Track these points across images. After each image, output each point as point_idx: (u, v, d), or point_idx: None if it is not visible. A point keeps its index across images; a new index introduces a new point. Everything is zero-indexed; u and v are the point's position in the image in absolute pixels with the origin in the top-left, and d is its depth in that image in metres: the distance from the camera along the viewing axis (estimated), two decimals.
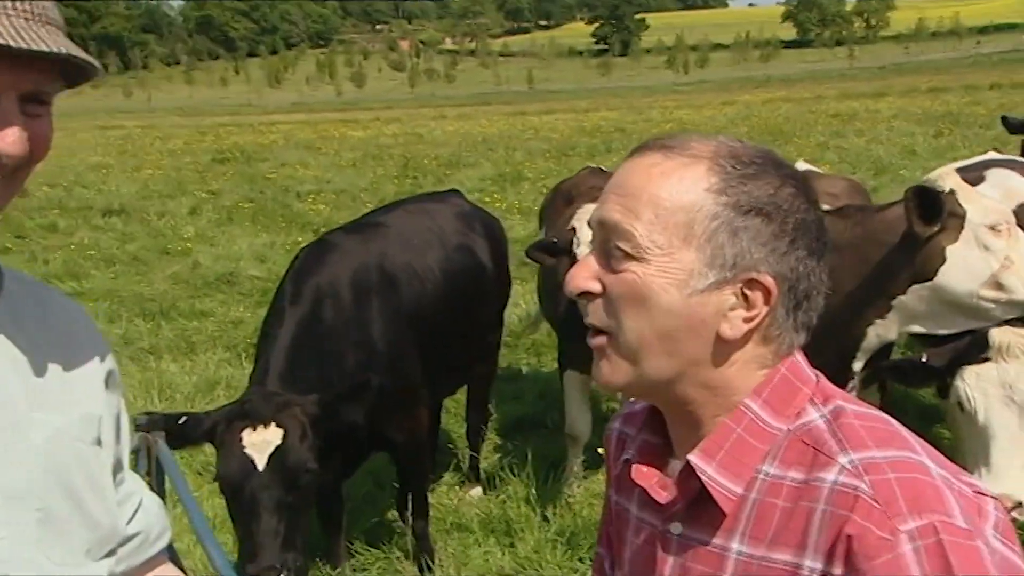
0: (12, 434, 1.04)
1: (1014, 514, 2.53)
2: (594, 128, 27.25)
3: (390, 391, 3.31)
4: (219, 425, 2.75)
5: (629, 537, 1.21)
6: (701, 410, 1.08)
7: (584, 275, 1.07)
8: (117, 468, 1.23)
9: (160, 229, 11.98)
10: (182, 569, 1.43)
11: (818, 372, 1.12)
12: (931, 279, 2.92)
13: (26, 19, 0.98)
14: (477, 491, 4.36)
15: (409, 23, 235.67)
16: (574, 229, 3.53)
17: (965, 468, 1.10)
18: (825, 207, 3.45)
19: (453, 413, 5.03)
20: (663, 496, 1.09)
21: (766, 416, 1.05)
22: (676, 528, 1.10)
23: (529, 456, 4.29)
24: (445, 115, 44.36)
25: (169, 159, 22.34)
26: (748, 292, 1.03)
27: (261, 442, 2.69)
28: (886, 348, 3.37)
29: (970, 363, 2.85)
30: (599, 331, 1.08)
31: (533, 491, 4.05)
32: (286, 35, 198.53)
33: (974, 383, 2.82)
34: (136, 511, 1.27)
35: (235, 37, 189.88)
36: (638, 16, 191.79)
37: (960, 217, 2.87)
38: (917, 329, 3.14)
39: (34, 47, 0.95)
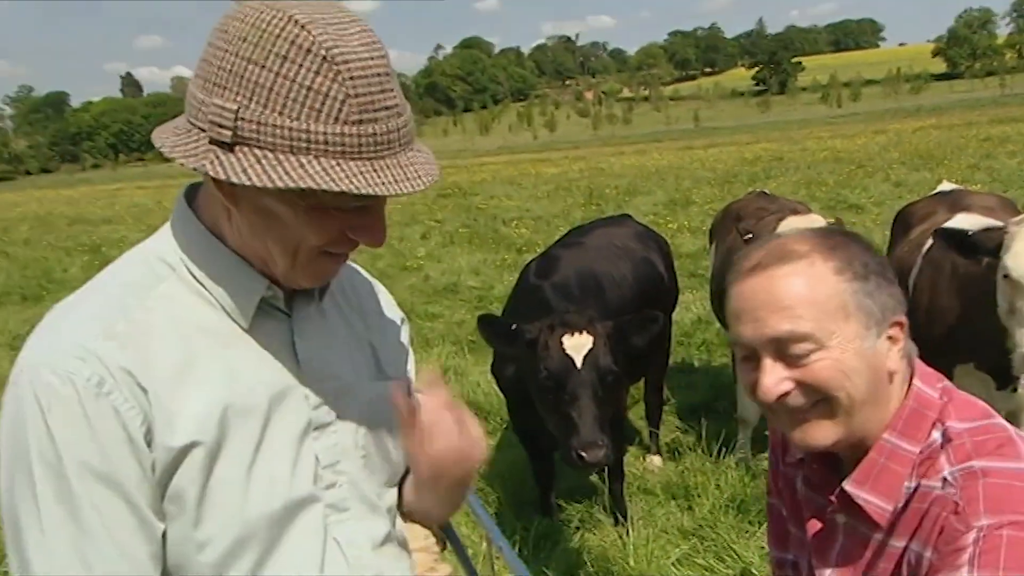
0: (349, 399, 1.10)
1: None
2: (754, 158, 26.20)
3: None
4: (542, 333, 2.87)
5: (795, 507, 1.29)
6: (868, 439, 1.14)
7: (774, 382, 1.09)
8: None
9: (400, 250, 12.54)
10: None
11: (945, 388, 1.15)
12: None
13: (403, 137, 0.94)
14: (657, 460, 4.34)
15: (593, 77, 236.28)
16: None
17: None
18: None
19: (635, 398, 5.05)
20: (831, 500, 1.18)
21: (904, 444, 1.11)
22: (841, 518, 1.18)
23: (704, 434, 4.26)
24: (623, 152, 44.13)
25: (406, 196, 23.55)
26: (891, 332, 1.11)
27: (577, 345, 2.83)
28: None
29: None
30: (795, 411, 1.10)
31: (708, 463, 4.01)
32: (493, 93, 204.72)
33: None
34: None
35: (454, 97, 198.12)
36: (794, 60, 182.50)
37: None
38: None
39: (412, 189, 0.94)
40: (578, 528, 3.64)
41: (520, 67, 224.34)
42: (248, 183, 0.88)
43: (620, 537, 3.38)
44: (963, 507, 1.00)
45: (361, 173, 0.89)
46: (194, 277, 1.01)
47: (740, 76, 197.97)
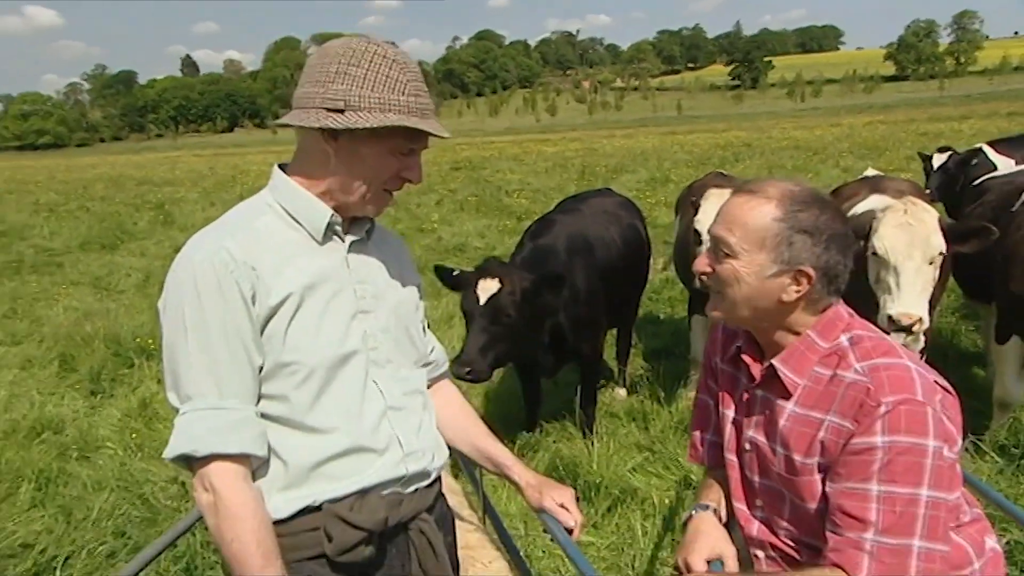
0: (382, 300, 1.40)
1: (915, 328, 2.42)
2: (727, 144, 26.02)
3: (584, 319, 3.47)
4: (471, 276, 3.10)
5: (729, 390, 1.51)
6: (772, 335, 1.36)
7: (704, 264, 1.37)
8: (423, 328, 1.55)
9: (417, 215, 12.56)
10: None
11: (851, 312, 1.37)
12: None
13: (433, 112, 1.32)
14: (622, 392, 4.50)
15: (590, 68, 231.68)
16: (698, 202, 3.58)
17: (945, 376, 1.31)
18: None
19: (609, 342, 5.19)
20: (757, 373, 1.40)
21: (819, 340, 1.33)
22: (759, 393, 1.41)
23: (661, 371, 4.42)
24: (614, 135, 43.66)
25: (441, 138, 23.35)
26: (798, 277, 1.29)
27: (485, 288, 3.02)
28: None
29: None
30: (711, 290, 1.37)
31: (662, 393, 4.18)
32: (503, 80, 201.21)
33: None
34: (433, 349, 1.60)
35: (467, 82, 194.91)
36: (766, 59, 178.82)
37: None
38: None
39: (445, 135, 1.32)
40: (555, 441, 3.80)
41: (527, 58, 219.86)
42: (356, 126, 1.24)
43: (587, 448, 3.54)
44: (873, 390, 1.21)
45: (416, 123, 1.27)
46: (285, 211, 1.33)
47: (718, 72, 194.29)
